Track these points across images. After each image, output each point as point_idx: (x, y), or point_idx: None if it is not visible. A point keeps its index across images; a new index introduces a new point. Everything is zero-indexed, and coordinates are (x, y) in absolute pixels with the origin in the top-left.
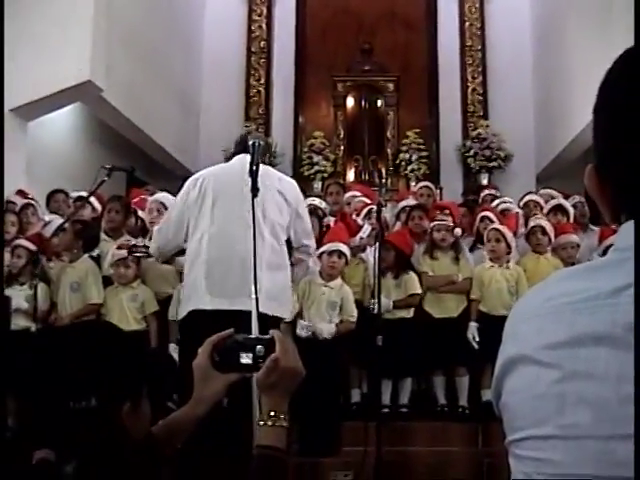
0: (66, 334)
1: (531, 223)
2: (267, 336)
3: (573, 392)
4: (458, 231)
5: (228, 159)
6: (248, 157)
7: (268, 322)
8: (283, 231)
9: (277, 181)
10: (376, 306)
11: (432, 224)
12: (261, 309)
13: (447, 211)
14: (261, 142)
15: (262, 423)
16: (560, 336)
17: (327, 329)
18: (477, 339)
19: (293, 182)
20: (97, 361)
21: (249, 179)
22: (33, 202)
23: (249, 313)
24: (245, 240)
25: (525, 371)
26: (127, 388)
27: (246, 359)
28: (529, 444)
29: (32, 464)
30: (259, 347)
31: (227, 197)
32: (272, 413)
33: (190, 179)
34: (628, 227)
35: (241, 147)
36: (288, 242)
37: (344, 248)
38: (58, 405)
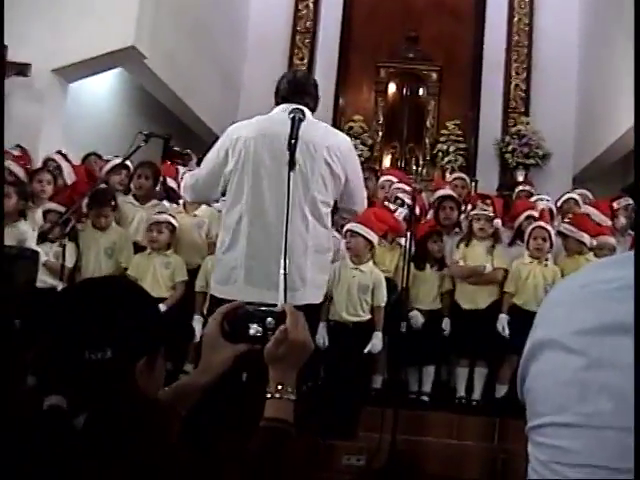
0: (87, 286)
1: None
2: (278, 309)
3: (597, 380)
4: (498, 222)
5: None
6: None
7: (312, 309)
8: (326, 207)
9: (325, 150)
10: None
11: (472, 213)
12: (309, 300)
13: (489, 201)
14: (301, 117)
15: (269, 396)
16: (589, 323)
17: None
18: (507, 331)
19: (344, 144)
20: (117, 314)
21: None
22: (61, 164)
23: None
24: (287, 224)
25: (552, 356)
26: (144, 344)
27: (256, 330)
28: (548, 431)
29: (43, 410)
30: (269, 319)
31: (267, 171)
32: (279, 386)
33: (228, 138)
34: None
35: (288, 90)
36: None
37: (357, 227)
38: (73, 354)
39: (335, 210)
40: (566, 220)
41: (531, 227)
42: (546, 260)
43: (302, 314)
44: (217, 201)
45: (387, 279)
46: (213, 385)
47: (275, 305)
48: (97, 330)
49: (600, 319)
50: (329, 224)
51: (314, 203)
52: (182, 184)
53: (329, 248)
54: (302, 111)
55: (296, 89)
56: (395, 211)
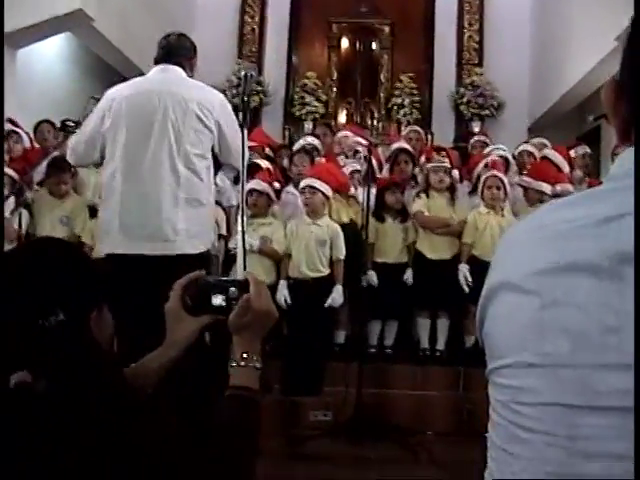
0: (20, 255)
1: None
2: (241, 278)
3: (553, 320)
4: (455, 173)
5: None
6: (168, 71)
7: (192, 260)
8: (202, 160)
9: (196, 104)
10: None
11: (429, 165)
12: (183, 250)
13: (444, 153)
14: (253, 73)
15: (234, 364)
16: (543, 264)
17: (338, 299)
18: (470, 279)
19: (216, 99)
20: (58, 275)
21: (165, 105)
22: (18, 129)
23: (168, 257)
24: (159, 177)
25: (508, 298)
26: (92, 297)
27: (219, 301)
28: (508, 372)
29: (10, 388)
30: (232, 289)
31: (140, 126)
32: (245, 355)
33: (105, 99)
34: (625, 155)
35: (162, 53)
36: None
37: (316, 183)
38: (27, 325)
39: (219, 165)
40: (524, 172)
41: (484, 177)
42: (502, 210)
43: (264, 283)
44: (97, 165)
45: (347, 226)
46: (179, 359)
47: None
48: (43, 296)
49: (555, 260)
50: (208, 178)
51: (187, 156)
52: (67, 149)
53: (205, 202)
54: (252, 73)
55: (169, 52)
56: (344, 166)
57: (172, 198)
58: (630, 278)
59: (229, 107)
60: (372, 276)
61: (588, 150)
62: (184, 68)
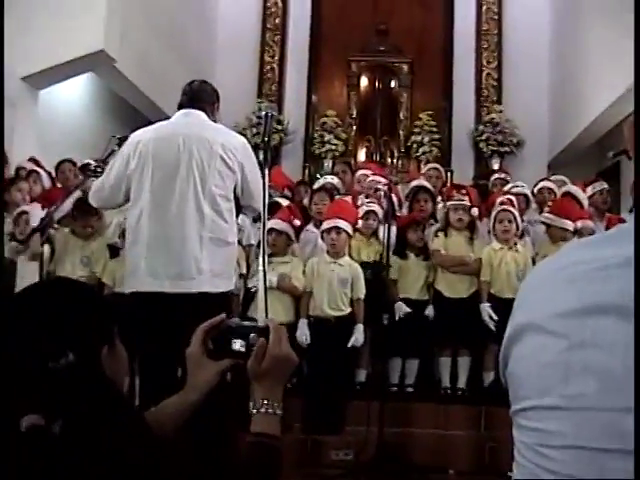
0: (26, 298)
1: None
2: (261, 324)
3: (579, 362)
4: (475, 211)
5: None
6: (191, 115)
7: (213, 299)
8: (226, 201)
9: (220, 147)
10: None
11: (448, 204)
12: (205, 288)
13: (464, 191)
14: (274, 113)
15: (255, 411)
16: (570, 305)
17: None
18: (495, 317)
19: (239, 142)
20: (66, 316)
21: (190, 147)
22: (37, 169)
23: (193, 295)
24: (185, 218)
25: (533, 339)
26: (100, 333)
27: (238, 345)
28: (532, 414)
29: (21, 431)
30: (252, 335)
31: (166, 168)
32: (265, 401)
33: (130, 143)
34: None
35: (185, 99)
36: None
37: (342, 224)
38: (37, 369)
39: (240, 208)
40: (546, 209)
41: (495, 211)
42: (515, 245)
43: (285, 329)
44: (120, 206)
45: (367, 264)
46: (200, 403)
47: (254, 320)
48: (53, 338)
49: (579, 301)
50: (231, 219)
51: (212, 197)
52: (90, 192)
53: (230, 242)
54: (272, 112)
55: (192, 98)
56: (361, 205)
57: (197, 237)
58: None
59: (251, 151)
60: (401, 306)
61: (606, 186)
62: (206, 112)
